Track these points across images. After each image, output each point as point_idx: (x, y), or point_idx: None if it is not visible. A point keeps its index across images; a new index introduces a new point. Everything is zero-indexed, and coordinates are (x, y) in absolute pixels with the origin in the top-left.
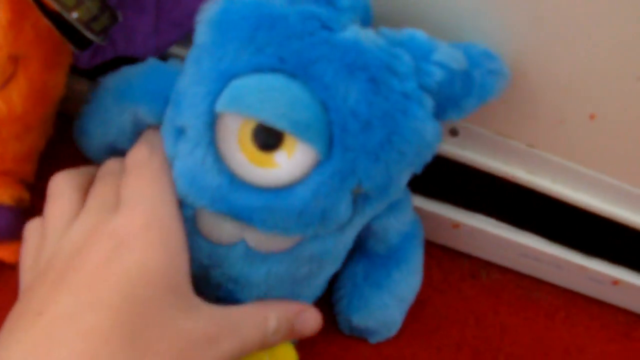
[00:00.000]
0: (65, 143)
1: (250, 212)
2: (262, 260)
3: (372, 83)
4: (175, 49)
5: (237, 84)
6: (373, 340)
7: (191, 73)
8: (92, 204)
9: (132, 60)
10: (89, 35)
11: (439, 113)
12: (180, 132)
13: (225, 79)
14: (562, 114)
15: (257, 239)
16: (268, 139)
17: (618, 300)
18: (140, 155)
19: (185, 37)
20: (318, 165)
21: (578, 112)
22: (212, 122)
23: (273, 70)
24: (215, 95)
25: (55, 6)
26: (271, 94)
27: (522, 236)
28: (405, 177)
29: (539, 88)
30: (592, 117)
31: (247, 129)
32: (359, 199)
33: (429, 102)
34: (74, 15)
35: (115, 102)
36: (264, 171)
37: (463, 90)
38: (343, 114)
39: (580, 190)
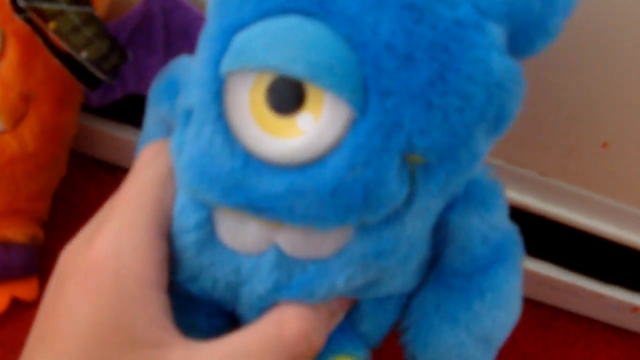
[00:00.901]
0: (78, 180)
1: (272, 199)
2: (302, 270)
3: (410, 10)
4: None
5: (242, 35)
6: None
7: (199, 44)
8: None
9: (143, 98)
10: (98, 74)
11: (524, 45)
12: (188, 115)
13: (230, 34)
14: (574, 143)
15: (292, 241)
16: (285, 98)
17: (637, 327)
18: (144, 154)
19: None
20: (354, 125)
21: (590, 141)
22: (219, 90)
23: (284, 11)
24: (220, 56)
25: (65, 46)
26: (281, 37)
27: (538, 265)
28: (481, 139)
29: (551, 117)
30: (604, 145)
31: (260, 90)
32: (418, 171)
33: (494, 30)
34: (84, 55)
35: (149, 109)
36: (286, 143)
37: (545, 7)
38: (375, 49)
39: (595, 218)
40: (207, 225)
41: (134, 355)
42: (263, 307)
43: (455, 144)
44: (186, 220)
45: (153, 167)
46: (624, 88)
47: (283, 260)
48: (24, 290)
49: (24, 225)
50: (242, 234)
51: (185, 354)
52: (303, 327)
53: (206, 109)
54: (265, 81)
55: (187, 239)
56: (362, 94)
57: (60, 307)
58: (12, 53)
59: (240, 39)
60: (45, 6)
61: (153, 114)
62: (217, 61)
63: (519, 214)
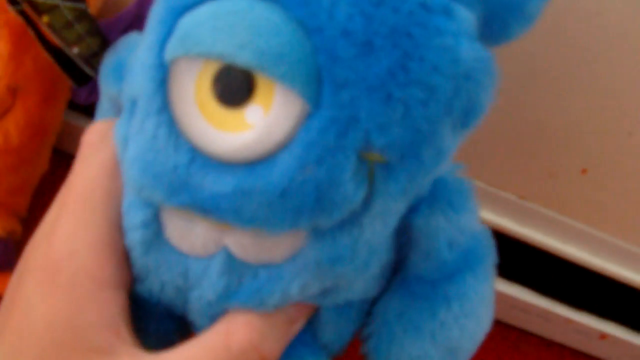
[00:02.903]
0: (59, 177)
1: (218, 200)
2: (252, 276)
3: None
4: None
5: (188, 18)
6: None
7: (146, 26)
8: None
9: None
10: (88, 71)
11: (499, 30)
12: (134, 104)
13: (176, 16)
14: (554, 168)
15: (242, 244)
16: (233, 88)
17: (605, 354)
18: (90, 137)
19: None
20: (307, 120)
21: (570, 167)
22: (163, 78)
23: None
24: (165, 40)
25: (57, 40)
26: (229, 21)
27: (511, 288)
28: (447, 135)
29: (533, 141)
30: (583, 171)
31: (206, 80)
32: (377, 170)
33: (464, 14)
34: (75, 50)
35: (102, 89)
36: (233, 138)
37: None
38: (331, 34)
39: (570, 244)
40: (154, 225)
41: (84, 359)
42: (213, 314)
43: (417, 141)
44: (132, 219)
45: (100, 154)
46: (606, 116)
47: (232, 265)
48: None
49: (2, 219)
50: (190, 234)
51: None
52: (251, 336)
53: (150, 99)
54: (211, 70)
55: (133, 238)
56: (315, 85)
57: (18, 304)
58: (2, 45)
59: (186, 22)
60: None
61: (105, 93)
62: (162, 46)
63: (494, 236)
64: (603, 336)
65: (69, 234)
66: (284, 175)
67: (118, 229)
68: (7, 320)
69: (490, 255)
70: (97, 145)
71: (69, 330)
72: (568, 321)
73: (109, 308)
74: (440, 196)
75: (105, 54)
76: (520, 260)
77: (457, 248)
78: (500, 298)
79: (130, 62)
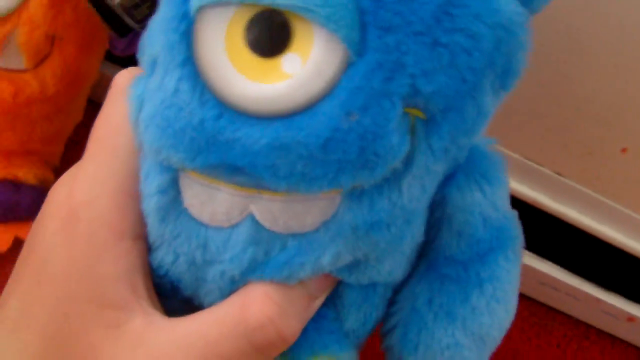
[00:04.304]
0: None
1: (252, 156)
2: (281, 247)
3: None
4: None
5: None
6: None
7: None
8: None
9: None
10: (128, 21)
11: None
12: (153, 65)
13: None
14: (593, 145)
15: (271, 211)
16: (269, 35)
17: (631, 338)
18: (121, 80)
19: None
20: (348, 68)
21: (610, 145)
22: (187, 29)
23: None
24: None
25: None
26: None
27: (542, 264)
28: (488, 92)
29: (573, 117)
30: (623, 150)
31: (238, 28)
32: (419, 125)
33: None
34: (116, 0)
35: None
36: (269, 88)
37: None
38: None
39: (605, 223)
40: (171, 191)
41: (97, 313)
42: (234, 293)
43: (461, 91)
44: (150, 184)
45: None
46: None
47: (259, 234)
48: (28, 232)
49: (35, 167)
50: (212, 202)
51: (143, 326)
52: (269, 310)
53: (172, 51)
54: (245, 17)
55: (148, 205)
56: (358, 29)
57: (38, 249)
58: None
59: None
60: None
61: None
62: None
63: (529, 210)
64: (631, 319)
65: (89, 180)
66: (327, 124)
67: None
68: (26, 265)
69: (520, 237)
70: (127, 87)
71: (84, 282)
72: (597, 301)
73: (126, 260)
74: (476, 166)
75: (147, 4)
76: (552, 237)
77: (490, 225)
78: (530, 274)
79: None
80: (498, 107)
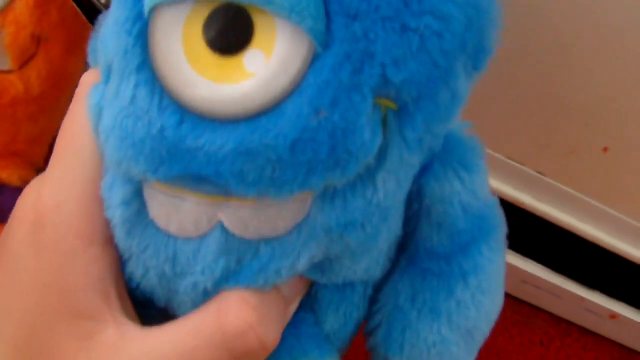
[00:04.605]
0: None
1: (217, 163)
2: (253, 254)
3: None
4: None
5: None
6: None
7: None
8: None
9: None
10: None
11: None
12: (110, 70)
13: None
14: (575, 145)
15: (240, 218)
16: (229, 32)
17: (614, 335)
18: (89, 78)
19: None
20: (314, 61)
21: (591, 144)
22: (141, 32)
23: None
24: None
25: None
26: None
27: (524, 263)
28: (462, 76)
29: (555, 116)
30: (605, 150)
31: (196, 26)
32: (390, 116)
33: None
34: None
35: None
36: (232, 89)
37: None
38: None
39: (586, 222)
40: (135, 203)
41: (68, 326)
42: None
43: (434, 77)
44: (114, 196)
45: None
46: (631, 94)
47: (230, 243)
48: None
49: (20, 169)
50: (178, 212)
51: (116, 337)
52: (247, 316)
53: (126, 56)
54: (202, 14)
55: (114, 216)
56: (323, 20)
57: (7, 257)
58: None
59: None
60: None
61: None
62: None
63: (511, 210)
64: (613, 316)
65: (57, 184)
66: (295, 124)
67: None
68: None
69: (502, 224)
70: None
71: (54, 292)
72: (580, 299)
73: (96, 267)
74: (453, 153)
75: None
76: (535, 236)
77: (470, 215)
78: (513, 272)
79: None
80: (480, 108)
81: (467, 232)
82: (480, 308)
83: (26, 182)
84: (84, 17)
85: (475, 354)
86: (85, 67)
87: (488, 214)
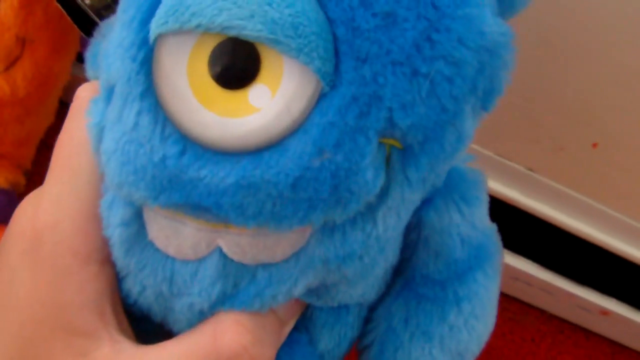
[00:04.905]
0: None
1: (218, 196)
2: (250, 278)
3: None
4: None
5: None
6: None
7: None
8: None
9: None
10: (99, 22)
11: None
12: (111, 92)
13: None
14: (564, 141)
15: (239, 245)
16: (235, 66)
17: (605, 331)
18: (84, 93)
19: None
20: (321, 100)
21: (580, 140)
22: (146, 58)
23: None
24: (148, 14)
25: None
26: None
27: (515, 259)
28: (469, 117)
29: (545, 112)
30: (594, 145)
31: (202, 57)
32: (394, 157)
33: None
34: (87, 0)
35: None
36: (236, 123)
37: None
38: (348, 4)
39: (577, 218)
40: (135, 224)
41: (63, 342)
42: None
43: (441, 121)
44: (113, 215)
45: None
46: (620, 90)
47: (227, 268)
48: (0, 236)
49: (6, 171)
50: (177, 236)
51: (111, 354)
52: (242, 339)
53: (130, 82)
54: (209, 45)
55: (112, 235)
56: (332, 60)
57: (4, 272)
58: None
59: None
60: None
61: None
62: (144, 20)
63: (501, 207)
64: (604, 312)
65: (53, 202)
66: (298, 163)
67: None
68: None
69: (499, 252)
70: (85, 113)
71: (49, 309)
72: (571, 296)
73: (92, 285)
74: (455, 188)
75: (117, 5)
76: (525, 232)
77: (469, 245)
78: (503, 269)
79: (104, 47)
80: None
81: (463, 261)
82: (472, 332)
83: (14, 184)
84: (68, 19)
85: None
86: (73, 68)
87: (485, 242)
